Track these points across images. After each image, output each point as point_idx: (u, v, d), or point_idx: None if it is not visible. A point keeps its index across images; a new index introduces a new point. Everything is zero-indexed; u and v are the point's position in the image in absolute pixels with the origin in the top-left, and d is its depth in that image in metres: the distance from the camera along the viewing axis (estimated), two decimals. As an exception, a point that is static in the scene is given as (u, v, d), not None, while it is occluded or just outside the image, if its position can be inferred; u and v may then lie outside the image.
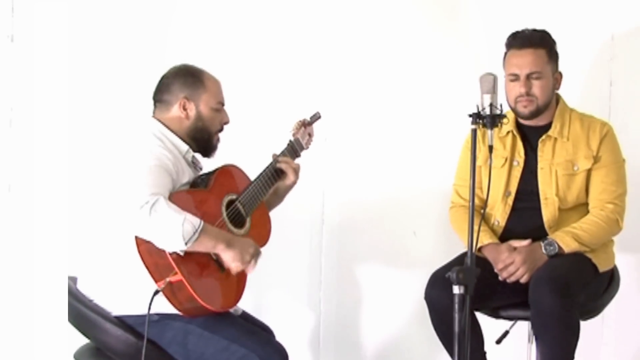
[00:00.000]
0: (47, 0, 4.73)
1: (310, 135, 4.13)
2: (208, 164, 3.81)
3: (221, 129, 3.80)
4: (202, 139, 3.74)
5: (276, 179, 3.89)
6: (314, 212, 4.85)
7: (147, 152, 3.52)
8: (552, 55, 4.01)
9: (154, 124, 3.69)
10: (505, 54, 4.02)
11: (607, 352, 4.71)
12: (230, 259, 3.53)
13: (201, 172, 3.79)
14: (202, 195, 3.63)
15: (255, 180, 3.81)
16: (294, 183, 3.93)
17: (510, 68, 3.98)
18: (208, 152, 3.79)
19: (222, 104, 3.78)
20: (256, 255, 3.62)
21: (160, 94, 3.73)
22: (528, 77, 3.94)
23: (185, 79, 3.70)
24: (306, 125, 4.10)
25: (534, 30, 4.01)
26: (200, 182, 3.70)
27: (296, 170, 3.92)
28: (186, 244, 3.36)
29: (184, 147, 3.68)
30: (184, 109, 3.68)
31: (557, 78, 4.03)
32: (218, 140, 3.80)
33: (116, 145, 3.67)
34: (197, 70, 3.75)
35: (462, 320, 3.37)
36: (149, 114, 3.75)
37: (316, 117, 4.14)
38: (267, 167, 3.87)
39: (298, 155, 4.03)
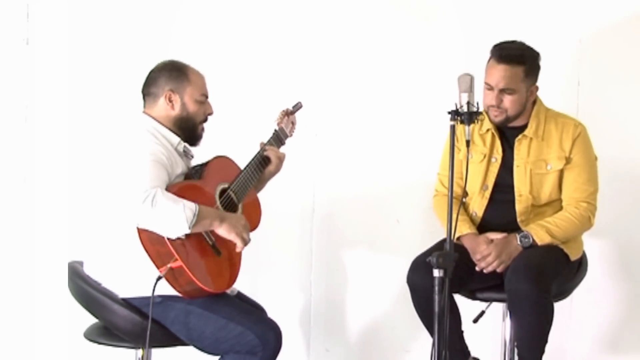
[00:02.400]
0: (58, 7, 4.74)
1: (293, 123, 4.13)
2: (200, 154, 3.82)
3: (205, 120, 3.80)
4: (187, 129, 3.74)
5: (264, 166, 3.90)
6: (305, 201, 4.86)
7: (144, 149, 3.53)
8: (531, 71, 3.94)
9: (147, 120, 3.69)
10: (489, 60, 3.96)
11: (575, 330, 4.72)
12: (226, 232, 3.56)
13: (194, 164, 3.80)
14: (197, 186, 3.65)
15: (244, 168, 3.83)
16: (278, 170, 3.94)
17: (487, 78, 3.93)
18: (193, 141, 3.79)
19: (206, 96, 3.79)
20: (246, 228, 3.65)
21: (148, 88, 3.74)
22: (501, 91, 3.89)
23: (171, 73, 3.71)
24: (289, 114, 4.11)
25: (517, 46, 3.95)
26: (195, 174, 3.72)
27: (281, 159, 3.93)
28: (189, 227, 3.38)
29: (175, 139, 3.69)
30: (170, 100, 3.69)
31: (532, 91, 3.97)
32: (203, 130, 3.81)
33: (116, 141, 3.67)
34: (182, 64, 3.75)
35: (441, 301, 3.37)
36: (140, 109, 3.76)
37: (298, 106, 4.16)
38: (255, 156, 3.88)
39: (283, 143, 4.04)
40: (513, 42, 3.97)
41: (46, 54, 4.76)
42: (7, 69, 4.76)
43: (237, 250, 3.61)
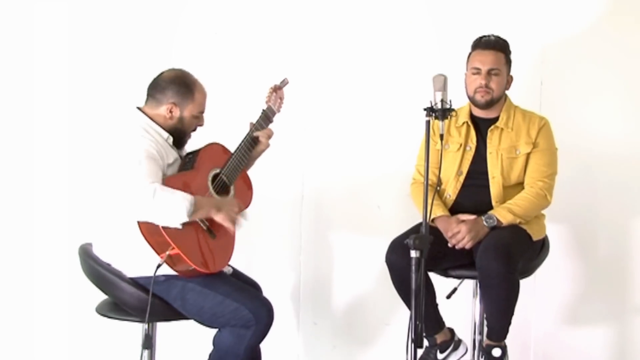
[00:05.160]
0: (61, 8, 4.69)
1: (281, 99, 4.05)
2: (194, 138, 3.83)
3: (194, 130, 3.79)
4: (177, 136, 3.72)
5: (253, 146, 3.87)
6: (295, 189, 4.86)
7: (137, 145, 3.51)
8: (508, 60, 4.05)
9: (140, 117, 3.67)
10: (470, 53, 4.05)
11: (538, 305, 4.74)
12: (222, 220, 3.56)
13: (187, 152, 3.80)
14: (190, 176, 3.64)
15: (235, 151, 3.79)
16: (267, 147, 3.89)
17: (474, 63, 4.00)
18: (178, 146, 3.76)
19: (202, 112, 3.77)
20: (240, 212, 3.67)
21: (154, 91, 3.71)
22: (489, 72, 3.96)
23: (179, 88, 3.68)
24: (277, 89, 4.04)
25: (496, 38, 4.03)
26: (187, 163, 3.71)
27: (269, 136, 3.89)
28: (188, 216, 3.39)
29: (165, 134, 3.67)
30: (170, 111, 3.68)
31: (508, 80, 4.06)
32: (189, 137, 3.79)
33: (113, 136, 3.65)
34: (191, 81, 3.71)
35: (417, 279, 3.39)
36: (133, 105, 3.74)
37: (285, 82, 4.08)
38: (245, 137, 3.84)
39: (271, 121, 3.97)
40: (491, 34, 4.06)
41: (51, 54, 4.75)
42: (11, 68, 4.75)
43: (230, 229, 3.62)
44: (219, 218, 3.56)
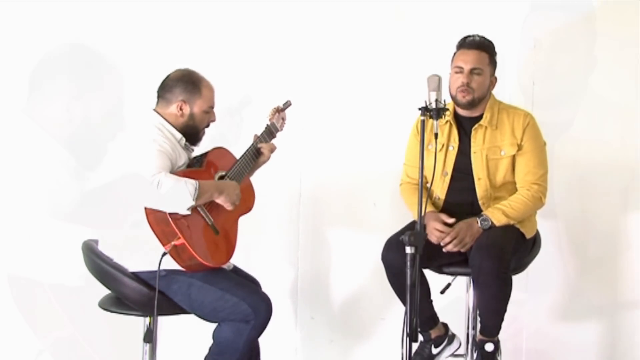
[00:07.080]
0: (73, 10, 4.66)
1: (283, 119, 4.12)
2: (201, 144, 3.86)
3: (207, 126, 3.82)
4: (191, 133, 3.76)
5: (257, 156, 3.91)
6: (293, 187, 4.87)
7: (150, 141, 3.55)
8: (492, 61, 4.00)
9: (155, 117, 3.71)
10: (455, 52, 4.02)
11: (530, 300, 4.75)
12: (223, 201, 3.61)
13: (195, 154, 3.83)
14: (198, 173, 3.67)
15: (240, 158, 3.84)
16: (268, 160, 3.95)
17: (457, 62, 3.97)
18: (194, 142, 3.80)
19: (212, 107, 3.80)
20: (239, 196, 3.69)
21: (163, 92, 3.74)
22: (471, 71, 3.92)
23: (186, 85, 3.71)
24: (280, 111, 4.10)
25: (481, 37, 4.01)
26: (196, 162, 3.75)
27: (272, 150, 3.94)
28: (194, 200, 3.43)
29: (179, 135, 3.71)
30: (181, 109, 3.70)
31: (492, 81, 4.01)
32: (204, 133, 3.83)
33: (127, 134, 3.72)
34: (197, 78, 3.75)
35: (412, 275, 3.39)
36: (150, 106, 3.78)
37: (287, 104, 4.14)
38: (250, 147, 3.89)
39: (274, 136, 4.03)
40: (476, 34, 4.03)
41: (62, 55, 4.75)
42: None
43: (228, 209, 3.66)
44: (220, 200, 3.60)
